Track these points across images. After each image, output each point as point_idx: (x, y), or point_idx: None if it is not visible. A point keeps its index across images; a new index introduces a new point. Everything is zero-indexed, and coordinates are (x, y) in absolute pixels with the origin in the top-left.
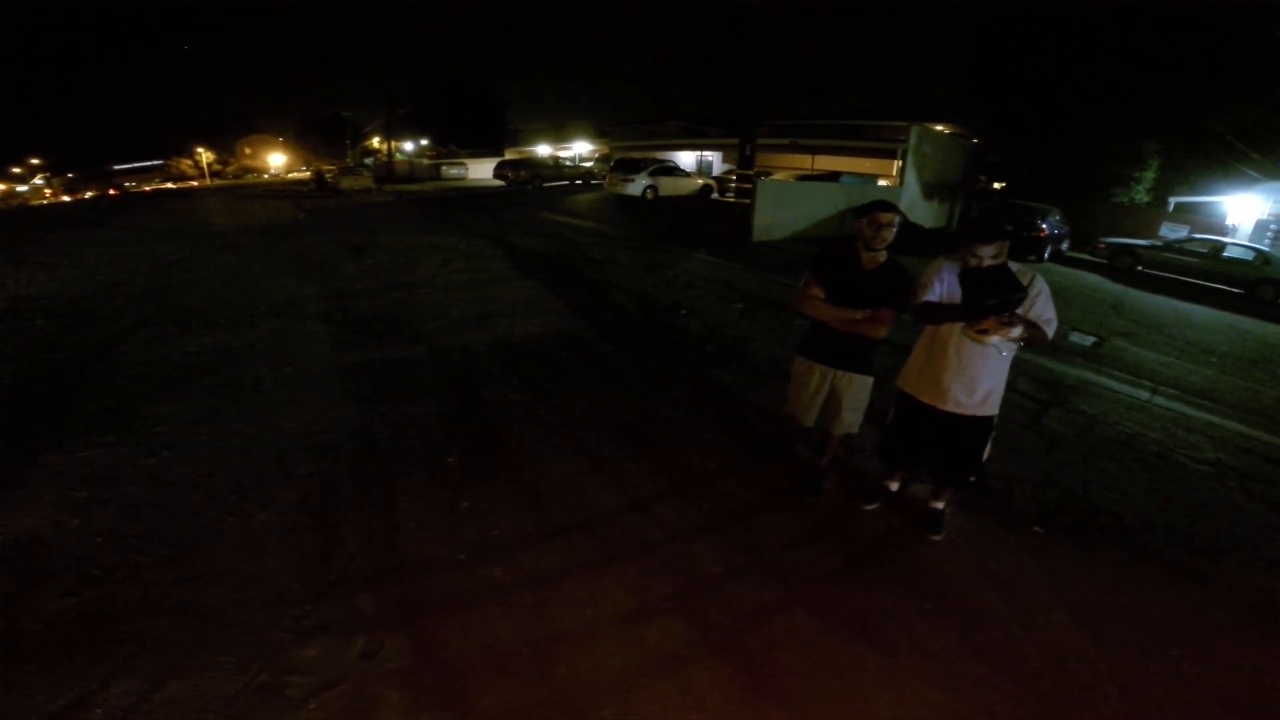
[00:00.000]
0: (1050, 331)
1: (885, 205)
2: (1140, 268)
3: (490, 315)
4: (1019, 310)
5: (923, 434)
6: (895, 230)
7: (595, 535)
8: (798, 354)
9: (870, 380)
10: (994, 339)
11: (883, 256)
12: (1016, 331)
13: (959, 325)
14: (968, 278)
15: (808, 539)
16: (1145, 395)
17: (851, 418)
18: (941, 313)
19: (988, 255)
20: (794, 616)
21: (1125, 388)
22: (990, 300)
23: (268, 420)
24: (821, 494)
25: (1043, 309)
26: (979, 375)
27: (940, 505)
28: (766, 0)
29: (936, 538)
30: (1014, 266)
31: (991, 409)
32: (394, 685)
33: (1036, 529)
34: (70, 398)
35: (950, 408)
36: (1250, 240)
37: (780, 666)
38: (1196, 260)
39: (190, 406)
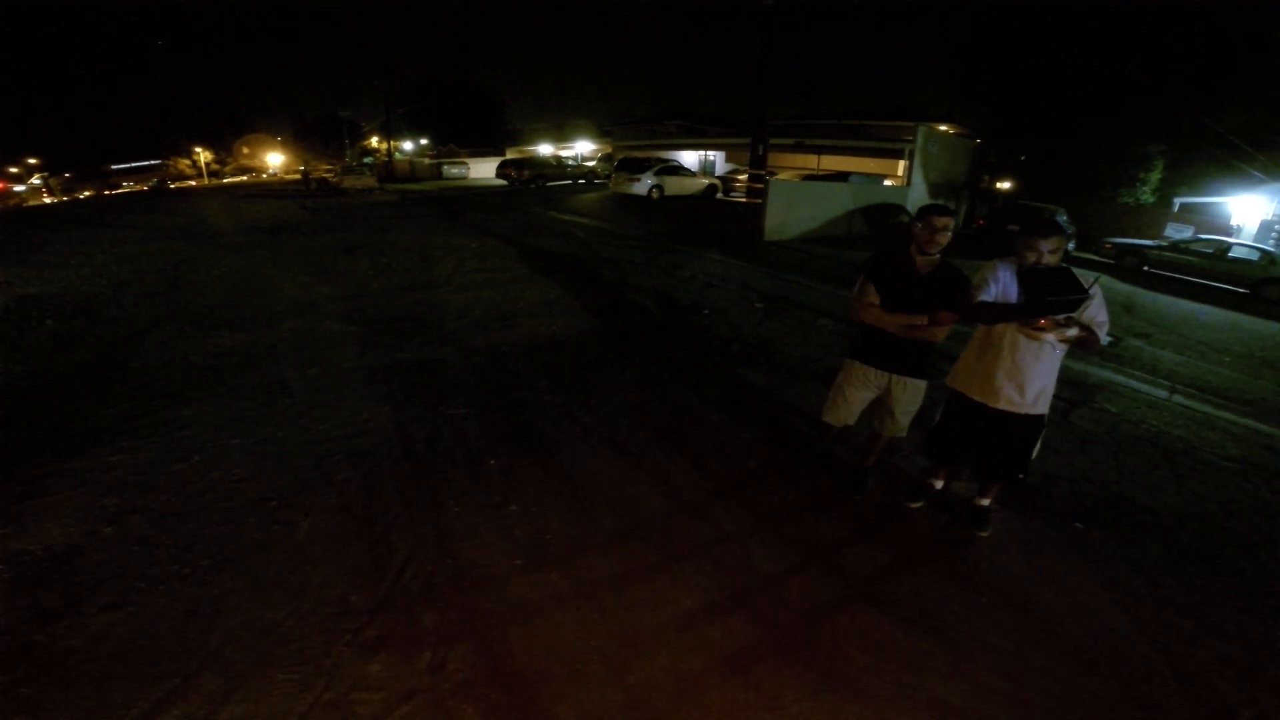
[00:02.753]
0: (1102, 335)
1: (940, 209)
2: (1146, 267)
3: (513, 315)
4: (1074, 313)
5: (971, 432)
6: (950, 234)
7: (647, 537)
8: (848, 357)
9: (924, 384)
10: (1049, 337)
11: (936, 259)
12: (1072, 333)
13: (1013, 324)
14: (1028, 276)
15: (858, 536)
16: (1164, 394)
17: (904, 420)
18: (997, 312)
19: (1047, 250)
20: (855, 612)
21: (1145, 387)
22: (1052, 297)
23: (298, 423)
24: (866, 492)
25: (1096, 312)
26: (1032, 374)
27: (986, 502)
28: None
29: (984, 534)
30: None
31: (1043, 407)
32: (468, 698)
33: (1077, 524)
34: (89, 401)
35: (1003, 406)
36: (1255, 240)
37: (848, 661)
38: (1202, 260)
39: (216, 409)
